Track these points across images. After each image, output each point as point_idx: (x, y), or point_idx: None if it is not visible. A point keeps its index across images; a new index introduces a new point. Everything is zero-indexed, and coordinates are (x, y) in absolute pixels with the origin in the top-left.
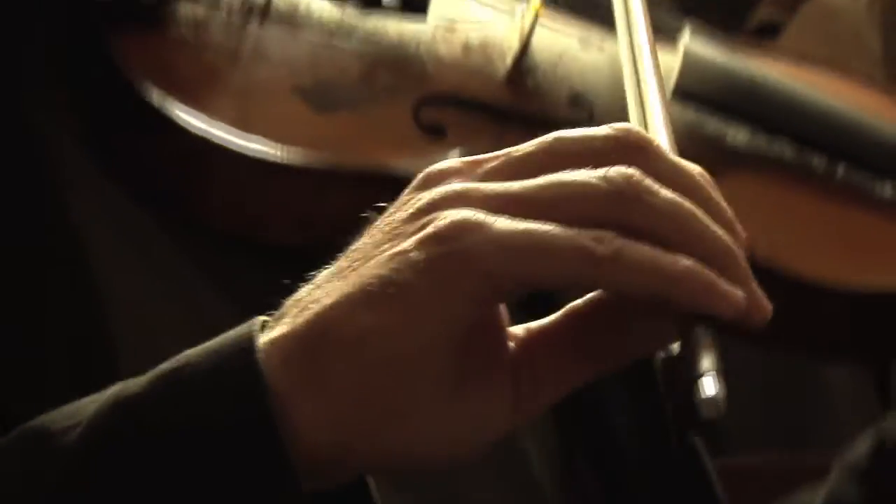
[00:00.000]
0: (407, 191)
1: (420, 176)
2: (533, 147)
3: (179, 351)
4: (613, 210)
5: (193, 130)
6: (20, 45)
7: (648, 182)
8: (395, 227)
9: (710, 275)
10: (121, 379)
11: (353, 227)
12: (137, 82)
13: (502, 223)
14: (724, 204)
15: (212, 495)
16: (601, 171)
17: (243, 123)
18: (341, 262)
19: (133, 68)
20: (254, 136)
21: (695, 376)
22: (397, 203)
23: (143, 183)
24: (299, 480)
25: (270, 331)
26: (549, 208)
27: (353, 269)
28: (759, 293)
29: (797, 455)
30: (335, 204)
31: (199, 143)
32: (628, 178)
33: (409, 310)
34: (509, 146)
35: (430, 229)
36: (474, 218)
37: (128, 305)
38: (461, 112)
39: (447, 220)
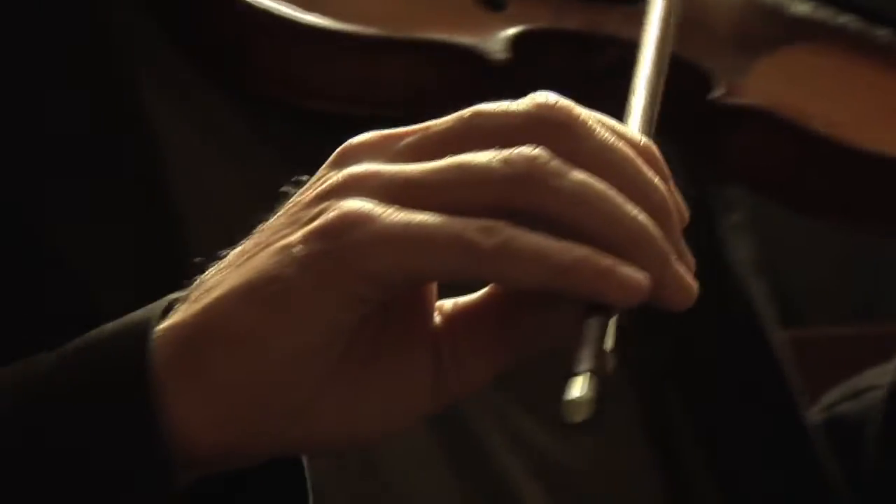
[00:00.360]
0: (324, 166)
1: (337, 150)
2: (451, 123)
3: (242, 221)
4: (514, 195)
5: (250, 1)
6: None
7: (555, 164)
8: (296, 212)
9: (603, 263)
10: (185, 251)
11: (409, 99)
12: None
13: (388, 217)
14: (656, 182)
15: (87, 485)
16: (505, 153)
17: None
18: (246, 243)
19: None
20: (307, 7)
21: (569, 372)
22: (312, 179)
23: (203, 52)
24: (172, 474)
25: (172, 315)
26: (447, 194)
27: (250, 257)
28: (682, 275)
29: (871, 326)
30: (392, 76)
31: (256, 14)
32: (531, 161)
33: (290, 309)
34: (567, 22)
35: (317, 222)
36: (362, 210)
37: (192, 177)
38: None
39: (334, 214)
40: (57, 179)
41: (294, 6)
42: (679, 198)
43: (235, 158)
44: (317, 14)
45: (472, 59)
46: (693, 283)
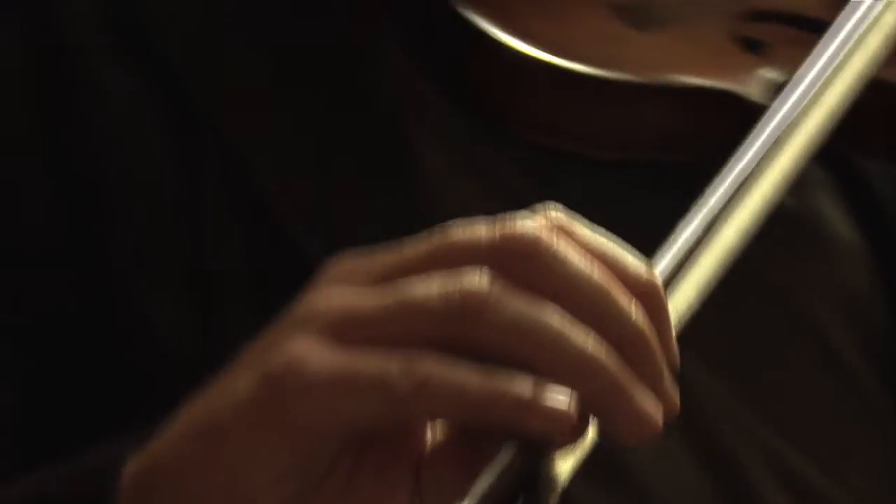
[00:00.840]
0: (306, 286)
1: (318, 272)
2: (422, 251)
3: None
4: (450, 330)
5: (513, 48)
6: None
7: (493, 297)
8: (265, 341)
9: (523, 396)
10: None
11: (671, 145)
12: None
13: (319, 363)
14: (631, 317)
15: None
16: (445, 287)
17: (559, 42)
18: (223, 372)
19: None
20: (570, 54)
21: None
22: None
23: (468, 97)
24: None
25: (144, 450)
26: (389, 329)
27: (213, 390)
28: (636, 411)
29: None
30: (653, 121)
31: (519, 59)
32: (467, 295)
33: (226, 451)
34: None
35: (260, 367)
36: (300, 356)
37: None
38: (781, 26)
39: (276, 358)
40: (337, 202)
41: (552, 52)
42: (672, 340)
43: (501, 199)
44: (575, 60)
45: (736, 104)
46: (653, 422)
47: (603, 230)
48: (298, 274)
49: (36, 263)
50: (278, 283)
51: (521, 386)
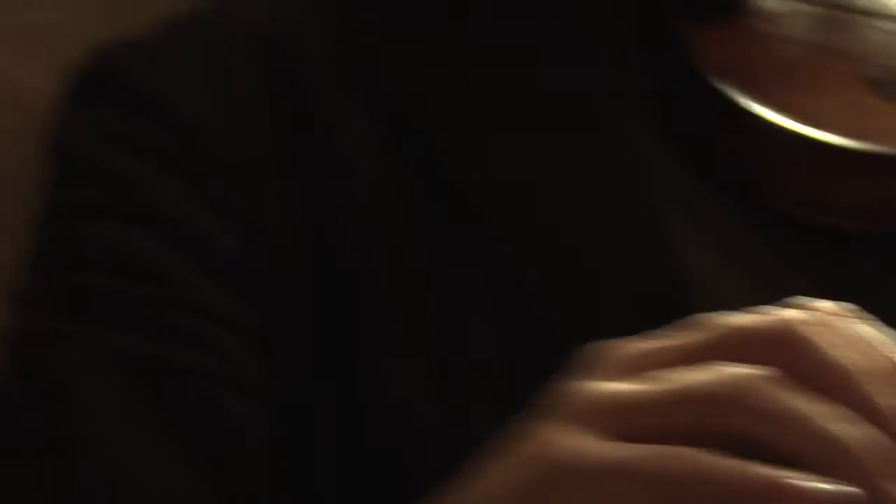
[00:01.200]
0: (573, 370)
1: (587, 353)
2: (682, 341)
3: None
4: (719, 419)
5: (772, 122)
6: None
7: (763, 388)
8: (534, 431)
9: (782, 483)
10: None
11: None
12: (708, 73)
13: (599, 454)
14: (879, 405)
15: None
16: (712, 378)
17: (815, 115)
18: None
19: (703, 59)
20: (827, 127)
21: None
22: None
23: (718, 169)
24: None
25: None
26: (661, 421)
27: (478, 480)
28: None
29: None
30: None
31: (776, 134)
32: (733, 386)
33: None
34: None
35: (537, 457)
36: (580, 448)
37: (707, 289)
38: None
39: (553, 452)
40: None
41: (810, 125)
42: None
43: (747, 270)
44: (832, 132)
45: None
46: None
47: (873, 320)
48: (546, 348)
49: (278, 326)
50: (525, 356)
51: (786, 474)
